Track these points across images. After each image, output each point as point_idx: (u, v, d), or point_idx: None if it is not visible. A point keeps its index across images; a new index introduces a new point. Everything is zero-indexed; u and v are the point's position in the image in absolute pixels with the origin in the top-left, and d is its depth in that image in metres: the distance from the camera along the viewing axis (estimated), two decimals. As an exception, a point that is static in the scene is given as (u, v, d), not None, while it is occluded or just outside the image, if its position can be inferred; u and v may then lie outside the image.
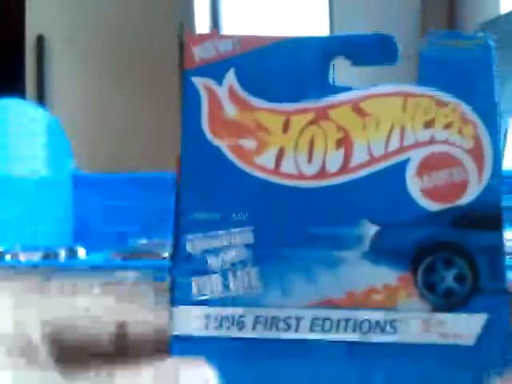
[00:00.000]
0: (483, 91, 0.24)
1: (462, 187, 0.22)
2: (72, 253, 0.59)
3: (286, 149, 0.23)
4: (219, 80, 0.24)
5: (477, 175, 0.23)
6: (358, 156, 0.22)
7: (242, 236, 0.22)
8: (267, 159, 0.23)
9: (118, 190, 0.76)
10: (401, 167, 0.22)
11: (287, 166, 0.23)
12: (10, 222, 0.64)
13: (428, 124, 0.23)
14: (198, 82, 0.24)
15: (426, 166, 0.22)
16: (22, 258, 0.56)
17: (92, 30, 1.71)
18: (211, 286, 0.23)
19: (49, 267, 0.53)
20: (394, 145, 0.23)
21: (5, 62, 1.79)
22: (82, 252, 0.60)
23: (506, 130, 1.41)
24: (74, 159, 0.77)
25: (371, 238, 0.22)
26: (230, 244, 0.22)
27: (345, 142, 0.23)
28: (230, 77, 0.23)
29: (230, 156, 0.23)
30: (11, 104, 0.68)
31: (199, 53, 0.24)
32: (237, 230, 0.22)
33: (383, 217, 0.22)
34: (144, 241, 0.64)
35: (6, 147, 0.67)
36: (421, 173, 0.22)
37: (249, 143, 0.23)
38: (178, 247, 0.23)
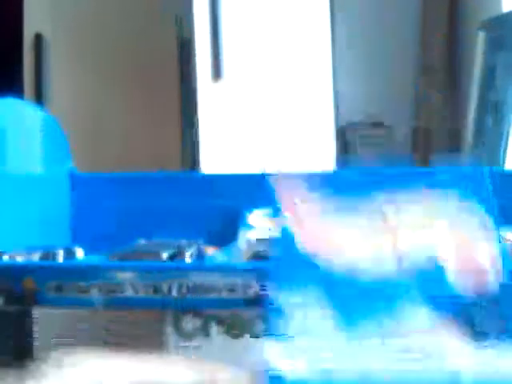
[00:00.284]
0: None
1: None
2: (70, 253, 0.59)
3: (356, 253, 0.32)
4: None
5: None
6: (407, 254, 0.32)
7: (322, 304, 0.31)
8: (342, 259, 0.32)
9: (116, 189, 0.76)
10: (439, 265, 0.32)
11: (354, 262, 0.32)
12: (7, 222, 0.64)
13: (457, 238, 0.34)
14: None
15: (457, 262, 0.32)
16: (20, 258, 0.56)
17: (90, 28, 1.71)
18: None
19: (47, 268, 0.52)
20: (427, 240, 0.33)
21: (2, 61, 1.79)
22: (80, 253, 0.60)
23: (510, 126, 1.41)
24: (72, 159, 0.77)
25: (424, 297, 0.30)
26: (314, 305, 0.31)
27: (397, 249, 0.32)
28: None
29: (315, 256, 0.32)
30: (9, 103, 0.68)
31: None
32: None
33: (432, 289, 0.31)
34: (143, 241, 0.64)
35: (4, 147, 0.66)
36: (451, 261, 0.32)
37: (329, 249, 0.32)
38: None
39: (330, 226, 0.35)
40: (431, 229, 0.33)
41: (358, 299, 0.31)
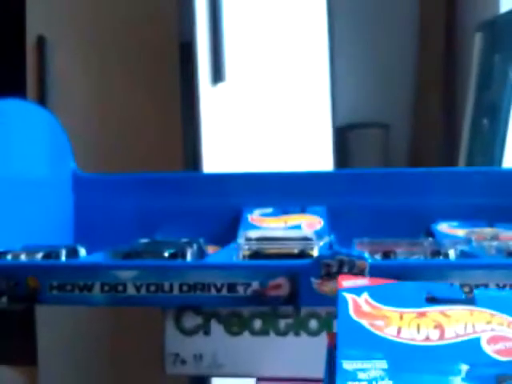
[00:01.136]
0: None
1: None
2: (73, 252, 0.59)
3: (402, 327, 0.38)
4: (358, 295, 0.41)
5: None
6: (448, 333, 0.38)
7: (379, 364, 0.35)
8: (391, 330, 0.38)
9: (118, 189, 0.76)
10: (476, 340, 0.37)
11: (404, 334, 0.38)
12: (10, 222, 0.65)
13: (488, 322, 0.38)
14: (346, 295, 0.41)
15: (492, 340, 0.37)
16: (23, 257, 0.57)
17: (92, 30, 1.71)
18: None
19: (50, 267, 0.53)
20: (469, 330, 0.38)
21: (5, 63, 1.79)
22: (82, 252, 0.61)
23: (507, 126, 1.41)
24: (75, 159, 0.77)
25: (466, 370, 0.34)
26: (372, 367, 0.35)
27: (439, 327, 0.38)
28: (365, 294, 0.41)
29: (368, 327, 0.38)
30: (12, 104, 0.68)
31: (346, 284, 0.42)
32: (375, 361, 0.35)
33: (471, 361, 0.35)
34: (145, 240, 0.65)
35: (7, 148, 0.67)
36: (490, 343, 0.37)
37: (379, 323, 0.38)
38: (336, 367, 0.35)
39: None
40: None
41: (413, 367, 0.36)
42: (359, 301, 0.40)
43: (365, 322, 0.39)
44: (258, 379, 0.56)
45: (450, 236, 0.65)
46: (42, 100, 1.65)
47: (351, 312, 0.39)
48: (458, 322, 0.39)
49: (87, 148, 1.57)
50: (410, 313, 0.39)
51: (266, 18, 1.33)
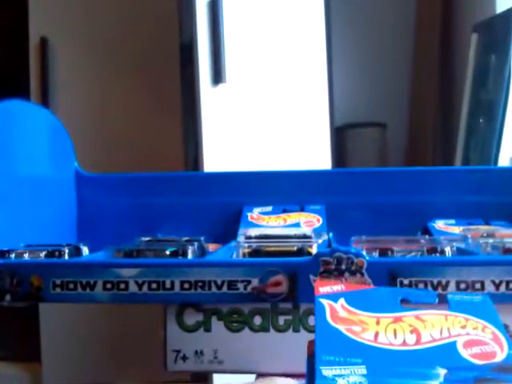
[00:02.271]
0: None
1: (494, 354, 0.37)
2: (76, 251, 0.60)
3: (379, 332, 0.38)
4: (335, 301, 0.41)
5: (500, 350, 0.37)
6: (425, 337, 0.38)
7: (358, 369, 0.35)
8: (369, 335, 0.38)
9: (120, 189, 0.77)
10: (452, 344, 0.37)
11: (381, 339, 0.38)
12: (14, 221, 0.65)
13: (463, 327, 0.39)
14: (323, 301, 0.41)
15: (468, 344, 0.37)
16: (27, 256, 0.57)
17: (95, 32, 1.72)
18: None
19: (53, 265, 0.54)
20: (445, 334, 0.38)
21: (9, 64, 1.80)
22: (85, 250, 0.61)
23: (502, 125, 1.42)
24: (77, 159, 0.78)
25: (444, 375, 0.35)
26: (351, 373, 0.34)
27: (415, 332, 0.38)
28: (341, 300, 0.41)
29: (346, 333, 0.38)
30: (15, 105, 0.68)
31: (323, 290, 0.43)
32: (354, 366, 0.35)
33: (449, 365, 0.35)
34: (146, 238, 0.65)
35: (10, 147, 0.67)
36: (466, 347, 0.37)
37: (356, 328, 0.39)
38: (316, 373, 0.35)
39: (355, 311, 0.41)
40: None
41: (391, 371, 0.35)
42: (336, 307, 0.41)
43: (342, 328, 0.39)
44: (258, 375, 0.56)
45: (446, 233, 0.66)
46: (44, 100, 1.65)
47: (328, 318, 0.40)
48: (434, 327, 0.39)
49: (89, 148, 1.57)
50: (386, 317, 0.40)
51: (265, 20, 1.34)
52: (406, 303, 0.42)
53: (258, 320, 0.56)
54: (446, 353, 0.37)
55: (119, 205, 0.76)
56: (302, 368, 0.55)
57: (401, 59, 2.09)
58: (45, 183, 0.72)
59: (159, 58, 1.70)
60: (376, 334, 0.38)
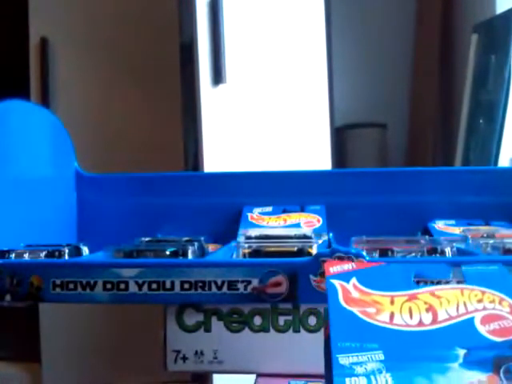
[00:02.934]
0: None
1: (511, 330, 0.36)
2: (76, 251, 0.60)
3: (394, 313, 0.37)
4: (347, 281, 0.40)
5: None
6: (441, 315, 0.37)
7: (376, 355, 0.34)
8: (384, 317, 0.37)
9: (120, 189, 0.77)
10: (470, 321, 0.37)
11: (397, 320, 0.37)
12: (14, 221, 0.65)
13: (479, 301, 0.38)
14: (335, 281, 0.40)
15: (486, 320, 0.36)
16: (27, 256, 0.57)
17: (95, 32, 1.72)
18: (359, 383, 0.33)
19: (53, 265, 0.54)
20: (461, 310, 0.37)
21: (9, 64, 1.80)
22: (85, 250, 0.61)
23: (502, 126, 1.42)
24: (77, 159, 0.78)
25: (463, 355, 0.34)
26: (368, 360, 0.34)
27: (431, 310, 0.38)
28: (353, 279, 0.40)
29: (360, 316, 0.37)
30: (15, 105, 0.68)
31: (333, 270, 0.41)
32: (371, 352, 0.34)
33: (468, 344, 0.35)
34: (146, 239, 0.65)
35: (10, 148, 0.67)
36: (483, 323, 0.36)
37: (370, 310, 0.38)
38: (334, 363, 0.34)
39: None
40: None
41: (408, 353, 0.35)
42: (348, 287, 0.40)
43: (356, 310, 0.38)
44: (258, 375, 0.56)
45: (446, 234, 0.66)
46: (44, 100, 1.65)
47: (341, 300, 0.39)
48: (450, 303, 0.38)
49: (89, 148, 1.57)
50: (400, 296, 0.39)
51: (265, 21, 1.34)
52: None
53: (258, 320, 0.56)
54: (463, 331, 0.36)
55: (119, 205, 0.76)
56: (302, 368, 0.56)
57: (401, 59, 2.09)
58: (45, 183, 0.72)
59: (159, 58, 1.70)
60: (391, 315, 0.37)
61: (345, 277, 0.40)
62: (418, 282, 0.40)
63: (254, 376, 0.56)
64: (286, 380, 0.55)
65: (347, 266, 0.42)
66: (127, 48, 1.72)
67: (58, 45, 1.70)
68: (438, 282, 0.41)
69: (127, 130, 1.72)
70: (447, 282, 0.41)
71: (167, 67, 1.70)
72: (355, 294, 0.39)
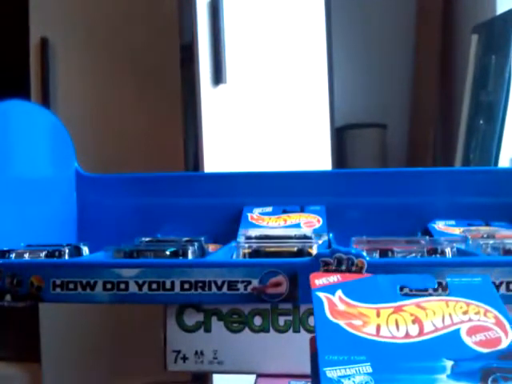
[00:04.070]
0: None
1: (498, 341, 0.36)
2: (76, 251, 0.60)
3: (381, 325, 0.38)
4: (332, 293, 0.40)
5: (504, 335, 0.37)
6: (427, 327, 0.37)
7: (363, 368, 0.34)
8: (370, 329, 0.37)
9: (121, 189, 0.77)
10: (456, 332, 0.37)
11: (384, 332, 0.37)
12: (14, 221, 0.65)
13: (465, 312, 0.38)
14: (320, 294, 0.40)
15: (472, 331, 0.37)
16: (27, 256, 0.57)
17: (95, 32, 1.72)
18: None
19: (53, 265, 0.54)
20: (447, 322, 0.38)
21: (9, 65, 1.80)
22: (86, 250, 0.61)
23: (503, 126, 1.42)
24: (77, 159, 0.78)
25: (451, 367, 0.34)
26: (356, 373, 0.34)
27: (417, 321, 0.38)
28: (339, 292, 0.40)
29: (347, 329, 0.37)
30: (15, 105, 0.68)
31: (318, 282, 0.42)
32: (358, 365, 0.34)
33: (454, 356, 0.35)
34: (147, 239, 0.65)
35: (11, 148, 0.67)
36: (469, 334, 0.37)
37: (357, 322, 0.38)
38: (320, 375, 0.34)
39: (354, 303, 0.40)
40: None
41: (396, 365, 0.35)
42: (334, 300, 0.40)
43: (342, 323, 0.38)
44: (258, 375, 0.56)
45: (446, 234, 0.66)
46: (44, 100, 1.65)
47: (327, 313, 0.38)
48: (436, 315, 0.38)
49: (89, 148, 1.57)
50: (386, 308, 0.39)
51: (266, 21, 1.34)
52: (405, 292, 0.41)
53: (258, 320, 0.56)
54: (450, 342, 0.36)
55: (119, 205, 0.76)
56: (302, 368, 0.56)
57: (401, 60, 2.09)
58: (45, 183, 0.72)
59: (159, 58, 1.70)
60: (378, 328, 0.37)
61: (330, 289, 0.41)
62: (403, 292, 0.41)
63: (253, 376, 0.56)
64: (286, 380, 0.55)
65: (332, 279, 0.42)
66: (127, 48, 1.72)
67: (58, 45, 1.70)
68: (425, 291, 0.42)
69: (127, 130, 1.72)
70: (434, 290, 0.42)
71: (167, 67, 1.70)
72: (341, 307, 0.39)
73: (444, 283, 0.41)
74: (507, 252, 0.55)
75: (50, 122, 0.75)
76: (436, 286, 0.42)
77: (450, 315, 0.38)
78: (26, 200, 0.68)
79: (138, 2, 1.73)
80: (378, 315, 0.38)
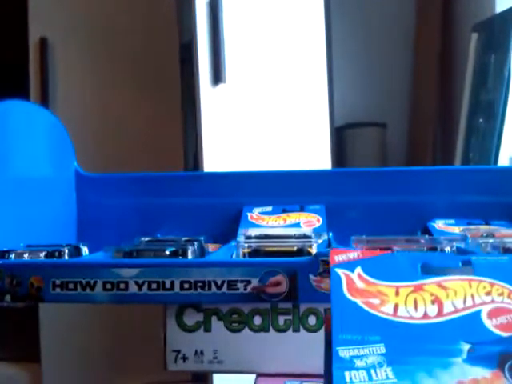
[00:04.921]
0: None
1: None
2: (76, 251, 0.60)
3: (399, 304, 0.36)
4: (351, 270, 0.39)
5: None
6: (447, 307, 0.36)
7: (377, 348, 0.34)
8: (388, 308, 0.36)
9: (120, 189, 0.77)
10: (477, 314, 0.36)
11: (401, 312, 0.36)
12: (14, 221, 0.65)
13: (488, 293, 0.37)
14: (339, 271, 0.39)
15: (493, 314, 0.35)
16: (27, 256, 0.57)
17: (95, 32, 1.72)
18: (359, 377, 0.32)
19: (53, 265, 0.54)
20: (469, 303, 0.36)
21: (8, 64, 1.80)
22: (85, 250, 0.61)
23: (502, 125, 1.42)
24: (77, 159, 0.78)
25: (467, 350, 0.33)
26: (369, 353, 0.33)
27: (437, 302, 0.36)
28: (358, 269, 0.39)
29: (363, 307, 0.36)
30: (15, 105, 0.68)
31: (338, 258, 0.40)
32: (372, 345, 0.34)
33: (473, 338, 0.34)
34: (146, 238, 0.65)
35: (10, 148, 0.67)
36: (490, 317, 0.35)
37: (374, 301, 0.37)
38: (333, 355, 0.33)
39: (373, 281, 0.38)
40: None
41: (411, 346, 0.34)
42: (353, 277, 0.38)
43: (360, 301, 0.36)
44: (258, 375, 0.56)
45: (446, 233, 0.66)
46: (44, 100, 1.65)
47: (345, 290, 0.37)
48: (457, 295, 0.37)
49: (89, 148, 1.57)
50: (406, 287, 0.37)
51: (265, 20, 1.34)
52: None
53: (257, 320, 0.56)
54: (469, 325, 0.35)
55: (119, 205, 0.76)
56: (302, 368, 0.56)
57: (401, 59, 2.09)
58: (45, 183, 0.72)
59: (159, 58, 1.70)
60: (395, 307, 0.36)
61: (350, 266, 0.39)
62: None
63: (253, 376, 0.56)
64: (285, 380, 0.55)
65: (353, 255, 0.40)
66: (127, 48, 1.72)
67: (58, 45, 1.70)
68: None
69: (127, 130, 1.72)
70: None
71: (167, 67, 1.70)
72: (360, 285, 0.38)
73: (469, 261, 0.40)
74: (507, 251, 0.55)
75: (49, 121, 0.75)
76: (460, 266, 0.40)
77: (472, 296, 0.36)
78: (25, 200, 0.68)
79: (137, 1, 1.73)
80: (397, 294, 0.37)
